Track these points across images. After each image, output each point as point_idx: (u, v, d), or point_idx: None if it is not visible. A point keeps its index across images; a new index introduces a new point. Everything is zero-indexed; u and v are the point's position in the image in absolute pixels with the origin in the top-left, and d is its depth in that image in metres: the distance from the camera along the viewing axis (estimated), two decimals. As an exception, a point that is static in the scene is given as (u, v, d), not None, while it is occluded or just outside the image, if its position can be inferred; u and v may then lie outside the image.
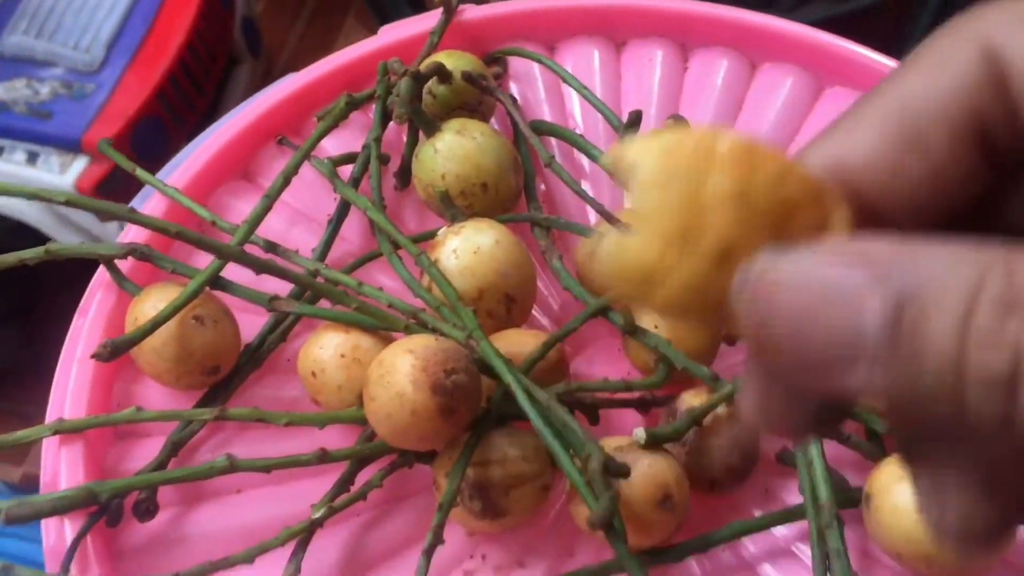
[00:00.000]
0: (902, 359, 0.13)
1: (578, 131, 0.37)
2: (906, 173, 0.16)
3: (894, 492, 0.26)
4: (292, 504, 0.30)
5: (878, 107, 0.16)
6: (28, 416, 1.18)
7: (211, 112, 1.04)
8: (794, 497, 0.30)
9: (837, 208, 0.15)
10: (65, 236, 1.01)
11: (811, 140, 0.16)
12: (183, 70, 1.01)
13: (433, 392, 0.26)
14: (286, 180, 0.33)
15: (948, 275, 0.13)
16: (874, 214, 0.16)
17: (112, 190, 0.98)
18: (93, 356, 0.28)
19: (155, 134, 0.96)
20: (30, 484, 1.19)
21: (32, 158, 0.94)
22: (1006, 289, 0.12)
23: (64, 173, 0.96)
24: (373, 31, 0.39)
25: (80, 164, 0.96)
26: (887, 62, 0.37)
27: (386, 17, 1.05)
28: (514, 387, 0.27)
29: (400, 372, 0.26)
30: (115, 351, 0.28)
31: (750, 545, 0.30)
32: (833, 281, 0.13)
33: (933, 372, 0.12)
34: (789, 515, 0.29)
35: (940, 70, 0.15)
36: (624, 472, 0.26)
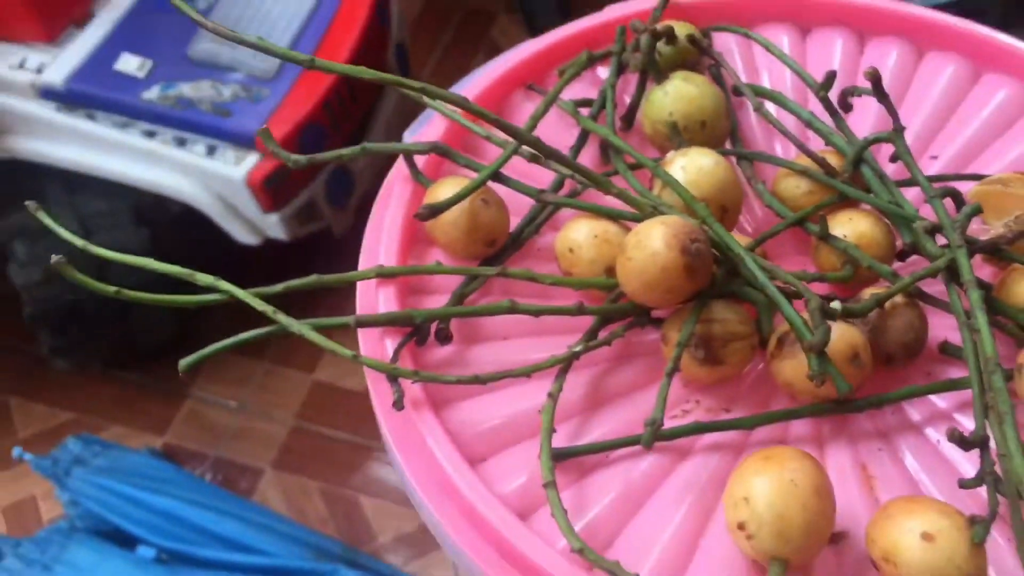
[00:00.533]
0: None
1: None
2: None
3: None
4: (549, 351, 0.37)
5: None
6: (170, 392, 1.29)
7: (364, 123, 1.15)
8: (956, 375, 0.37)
9: None
10: (230, 224, 1.12)
11: None
12: (345, 83, 1.12)
13: (681, 252, 0.34)
14: (546, 109, 0.42)
15: None
16: None
17: (279, 184, 1.09)
18: (416, 216, 0.37)
19: (318, 138, 1.07)
20: (170, 452, 1.29)
21: (211, 151, 1.06)
22: None
23: (238, 165, 1.07)
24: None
25: (252, 159, 1.07)
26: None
27: (535, 25, 1.15)
28: (745, 256, 0.35)
29: (655, 237, 0.34)
30: (432, 212, 0.37)
31: (914, 412, 0.37)
32: None
33: None
34: (954, 384, 0.36)
35: None
36: (835, 314, 0.33)
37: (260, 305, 0.36)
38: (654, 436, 0.34)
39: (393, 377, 0.35)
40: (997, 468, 0.31)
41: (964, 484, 0.32)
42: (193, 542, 1.06)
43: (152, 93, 1.08)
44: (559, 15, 1.01)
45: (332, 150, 1.19)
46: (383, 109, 1.17)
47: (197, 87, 1.08)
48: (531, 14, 1.26)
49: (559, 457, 0.34)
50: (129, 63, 1.11)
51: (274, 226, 1.09)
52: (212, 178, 1.08)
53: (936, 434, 0.36)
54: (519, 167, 0.42)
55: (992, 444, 0.32)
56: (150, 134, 1.08)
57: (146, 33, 1.09)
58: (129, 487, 1.08)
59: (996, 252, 0.37)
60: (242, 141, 1.08)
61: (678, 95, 0.41)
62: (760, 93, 0.44)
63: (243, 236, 1.10)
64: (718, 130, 0.42)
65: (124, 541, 1.04)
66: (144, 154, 1.08)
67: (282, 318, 0.35)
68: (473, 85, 0.46)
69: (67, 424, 1.27)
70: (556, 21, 0.48)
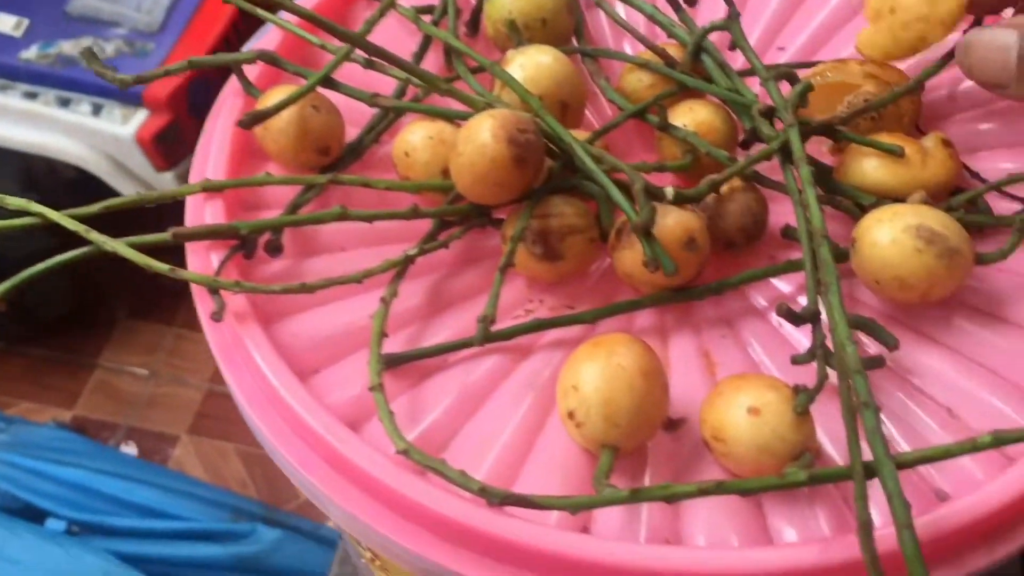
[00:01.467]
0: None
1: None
2: None
3: (873, 230, 0.33)
4: (386, 259, 0.36)
5: None
6: (75, 364, 1.26)
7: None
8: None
9: None
10: (123, 184, 1.09)
11: None
12: (235, 33, 1.09)
13: (509, 143, 0.33)
14: (381, 14, 0.40)
15: None
16: None
17: (169, 141, 1.06)
18: (238, 123, 0.36)
19: (208, 91, 1.04)
20: (80, 425, 1.26)
21: (96, 110, 1.03)
22: None
23: (126, 124, 1.04)
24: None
25: (140, 116, 1.04)
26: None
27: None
28: (575, 146, 0.34)
29: (483, 129, 0.33)
30: (255, 119, 0.35)
31: (759, 296, 0.37)
32: (999, 37, 0.33)
33: None
34: (792, 265, 0.36)
35: None
36: (660, 194, 0.33)
37: (72, 224, 0.34)
38: (486, 333, 0.33)
39: (214, 289, 0.33)
40: (829, 343, 0.31)
41: (796, 360, 0.32)
42: (105, 512, 1.03)
43: (31, 52, 1.04)
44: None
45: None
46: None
47: (77, 44, 1.04)
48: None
49: (391, 363, 0.33)
50: (4, 22, 1.06)
51: (170, 185, 1.06)
52: (100, 138, 1.05)
53: (779, 317, 0.36)
54: (357, 75, 0.40)
55: (824, 319, 0.31)
56: (31, 95, 1.04)
57: (21, -10, 1.05)
58: (35, 460, 1.05)
59: (831, 132, 0.36)
60: (128, 98, 1.05)
61: (517, -7, 0.40)
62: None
63: (138, 197, 1.07)
64: (560, 27, 0.41)
65: (33, 516, 1.01)
66: (26, 116, 1.04)
67: (95, 236, 0.34)
68: (310, -2, 0.44)
69: (-30, 402, 1.23)
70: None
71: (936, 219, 0.32)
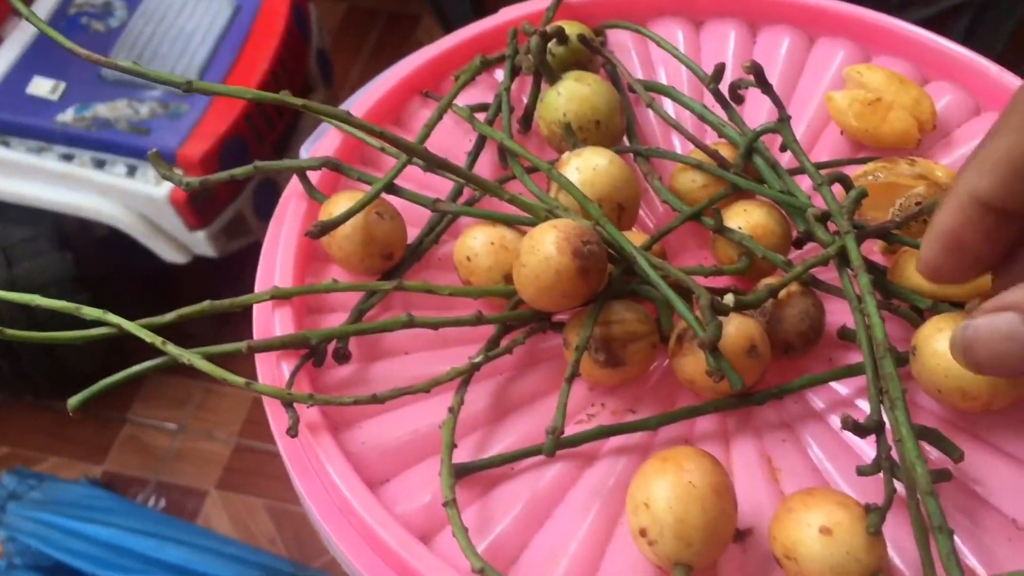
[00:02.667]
0: None
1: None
2: (1017, 191, 0.29)
3: (935, 339, 0.33)
4: (450, 364, 0.37)
5: (991, 153, 0.29)
6: (104, 419, 1.27)
7: (288, 134, 1.14)
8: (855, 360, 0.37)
9: None
10: (156, 243, 1.10)
11: (960, 170, 0.31)
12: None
13: (573, 256, 0.34)
14: (439, 116, 0.41)
15: None
16: (1000, 212, 0.30)
17: (203, 200, 1.07)
18: (307, 234, 0.36)
19: (240, 152, 1.06)
20: (109, 480, 1.27)
21: (131, 171, 1.04)
22: None
23: (159, 185, 1.05)
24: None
25: (174, 176, 1.05)
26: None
27: (451, 29, 1.15)
28: (637, 256, 0.35)
29: (547, 241, 0.34)
30: (324, 229, 0.36)
31: (817, 400, 0.37)
32: (1000, 326, 0.28)
33: None
34: (851, 370, 0.36)
35: (1018, 134, 0.28)
36: (726, 309, 0.33)
37: (148, 336, 0.35)
38: (556, 443, 0.33)
39: (288, 403, 0.34)
40: (894, 453, 0.32)
41: (861, 471, 0.32)
42: (136, 571, 1.04)
43: (67, 116, 1.05)
44: (473, 17, 1.01)
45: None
46: (308, 120, 1.16)
47: (113, 107, 1.06)
48: (445, 18, 1.25)
49: (460, 473, 0.34)
50: (41, 86, 1.08)
51: (201, 243, 1.07)
52: (134, 198, 1.06)
53: (839, 422, 0.36)
54: (417, 177, 0.41)
55: (888, 429, 0.32)
56: (67, 157, 1.06)
57: (57, 55, 1.07)
58: (67, 519, 1.05)
59: (885, 236, 0.37)
60: (163, 159, 1.06)
61: (570, 95, 0.41)
62: (652, 88, 0.44)
63: (170, 255, 1.09)
64: (613, 128, 0.42)
65: (65, 575, 1.02)
66: (62, 178, 1.05)
67: (171, 349, 0.34)
68: (368, 95, 0.45)
69: (1, 459, 1.24)
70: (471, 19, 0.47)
71: None
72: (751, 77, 0.39)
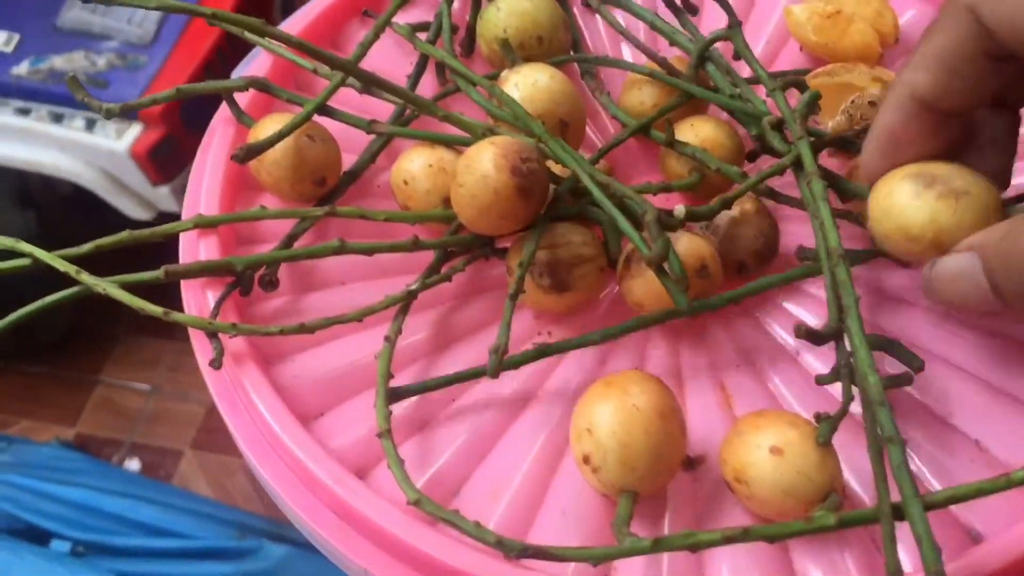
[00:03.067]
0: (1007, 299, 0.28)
1: None
2: (953, 89, 0.29)
3: (878, 189, 0.31)
4: (388, 293, 0.35)
5: (927, 53, 0.29)
6: (76, 382, 1.25)
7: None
8: (812, 287, 0.35)
9: None
10: (119, 199, 1.08)
11: (898, 71, 0.30)
12: (228, 45, 1.07)
13: (512, 174, 0.32)
14: (376, 35, 0.39)
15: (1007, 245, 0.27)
16: (939, 111, 0.30)
17: (164, 155, 1.04)
18: (232, 157, 0.34)
19: (201, 103, 1.02)
20: (83, 442, 1.25)
21: (90, 125, 1.01)
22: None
23: (120, 138, 1.03)
24: None
25: (135, 130, 1.03)
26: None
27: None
28: (580, 171, 0.33)
29: (484, 159, 0.32)
30: (249, 153, 0.34)
31: (774, 324, 0.35)
32: (962, 267, 0.28)
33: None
34: (809, 271, 0.34)
35: (952, 29, 0.29)
36: (674, 224, 0.31)
37: (63, 266, 0.33)
38: (499, 363, 0.31)
39: (212, 333, 0.32)
40: (852, 360, 0.30)
41: (820, 380, 0.30)
42: (110, 532, 1.02)
43: (21, 68, 1.02)
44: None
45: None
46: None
47: (69, 59, 1.03)
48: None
49: (396, 398, 0.32)
50: (-6, 39, 1.05)
51: (166, 199, 1.05)
52: (94, 153, 1.03)
53: (796, 344, 0.34)
54: (353, 101, 0.39)
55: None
56: (23, 111, 1.03)
57: (10, 5, 1.04)
58: (38, 481, 1.04)
59: (843, 144, 0.35)
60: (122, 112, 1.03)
61: (511, 10, 0.39)
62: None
63: (134, 212, 1.06)
64: (556, 45, 0.39)
65: (38, 537, 1.00)
66: (19, 132, 1.02)
67: (86, 277, 0.32)
68: (303, 14, 0.42)
69: (-30, 423, 1.22)
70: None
71: (942, 167, 0.30)
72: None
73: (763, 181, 0.33)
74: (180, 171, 1.05)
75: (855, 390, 0.29)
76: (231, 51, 1.07)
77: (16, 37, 1.04)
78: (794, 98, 0.35)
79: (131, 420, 1.22)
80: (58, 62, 1.03)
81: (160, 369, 1.24)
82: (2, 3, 1.04)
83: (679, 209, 0.33)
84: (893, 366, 0.32)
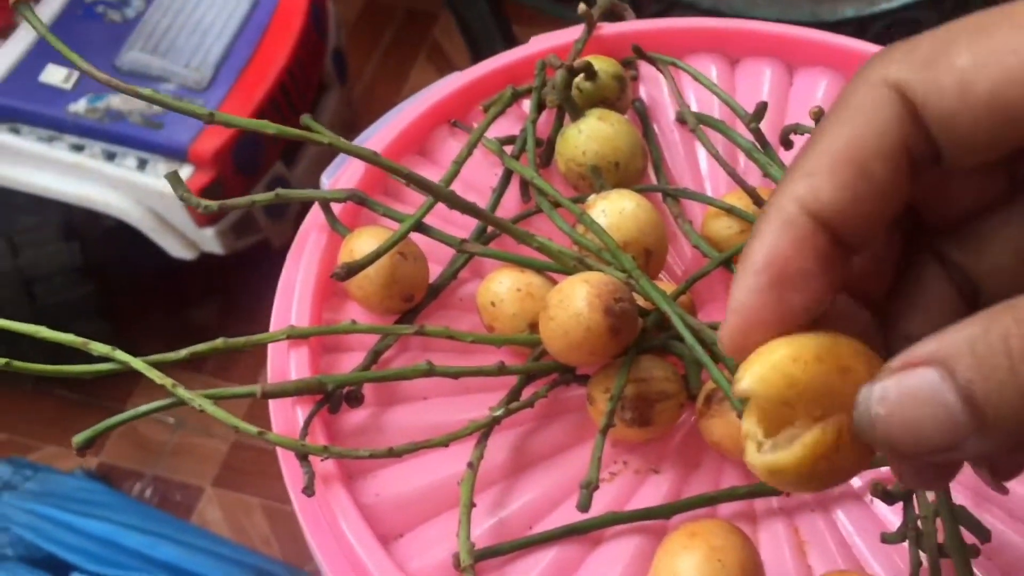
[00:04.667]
0: (990, 425, 0.18)
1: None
2: (861, 199, 0.20)
3: None
4: (469, 412, 0.36)
5: (827, 152, 0.21)
6: (110, 409, 1.25)
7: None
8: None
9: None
10: (164, 239, 1.09)
11: (779, 184, 0.21)
12: (281, 92, 1.09)
13: (605, 314, 0.33)
14: (469, 152, 0.40)
15: (985, 348, 0.18)
16: (839, 235, 0.21)
17: (212, 198, 1.06)
18: (332, 276, 0.35)
19: (254, 149, 1.04)
20: (105, 472, 1.26)
21: (142, 165, 1.03)
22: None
23: (169, 178, 1.04)
24: (441, 69, 0.46)
25: (185, 172, 1.04)
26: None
27: (479, 51, 1.13)
28: (670, 312, 0.33)
29: (578, 297, 0.33)
30: (349, 272, 0.35)
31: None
32: (917, 387, 0.19)
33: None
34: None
35: (869, 114, 0.20)
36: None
37: (158, 378, 0.34)
38: (591, 498, 0.32)
39: (303, 455, 0.33)
40: (920, 523, 0.30)
41: (886, 538, 0.31)
42: (129, 567, 1.03)
43: (79, 106, 1.04)
44: (492, 23, 0.98)
45: (269, 161, 1.14)
46: (322, 118, 1.14)
47: (127, 99, 1.05)
48: (462, 19, 1.22)
49: (480, 557, 0.32)
50: (55, 75, 1.07)
51: (209, 240, 1.06)
52: (144, 192, 1.05)
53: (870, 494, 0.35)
54: (440, 210, 0.40)
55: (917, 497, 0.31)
56: (78, 148, 1.05)
57: (72, 44, 1.05)
58: (61, 512, 1.04)
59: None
60: (174, 153, 1.05)
61: (592, 134, 0.40)
62: (702, 121, 0.42)
63: (178, 250, 1.07)
64: (632, 171, 0.40)
65: (57, 567, 1.01)
66: (72, 168, 1.04)
67: (181, 392, 0.33)
68: (395, 123, 0.43)
69: (-3, 445, 1.23)
70: (493, 33, 0.46)
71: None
72: (806, 123, 0.37)
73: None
74: (225, 214, 1.07)
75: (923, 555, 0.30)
76: (285, 101, 1.09)
77: (76, 75, 1.06)
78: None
79: (154, 453, 1.22)
80: (115, 102, 1.05)
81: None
82: (65, 41, 1.05)
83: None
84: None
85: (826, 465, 0.20)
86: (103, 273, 1.08)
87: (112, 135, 1.03)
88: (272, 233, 1.09)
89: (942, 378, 0.18)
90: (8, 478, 1.09)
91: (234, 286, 1.23)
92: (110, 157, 1.04)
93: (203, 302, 1.32)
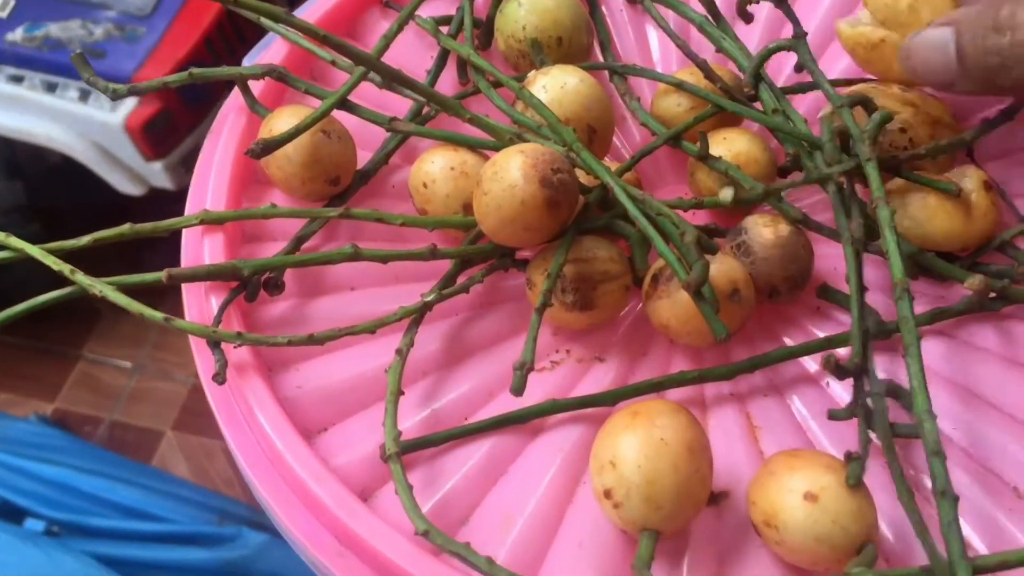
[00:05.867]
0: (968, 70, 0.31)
1: None
2: None
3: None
4: (400, 303, 0.33)
5: None
6: (62, 355, 1.23)
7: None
8: (841, 314, 0.34)
9: None
10: (110, 173, 1.05)
11: None
12: (228, 19, 1.05)
13: (541, 184, 0.30)
14: (400, 27, 0.37)
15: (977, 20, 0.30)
16: None
17: (159, 130, 1.02)
18: (247, 152, 0.32)
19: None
20: (61, 417, 1.23)
21: (84, 95, 0.99)
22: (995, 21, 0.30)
23: (114, 110, 1.00)
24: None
25: (130, 103, 1.00)
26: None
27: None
28: (615, 186, 0.31)
29: (512, 167, 0.30)
30: (266, 148, 0.32)
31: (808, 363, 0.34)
32: (937, 37, 0.31)
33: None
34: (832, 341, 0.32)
35: None
36: (714, 248, 0.30)
37: (55, 264, 0.31)
38: (524, 382, 0.29)
39: (215, 342, 0.30)
40: (869, 401, 0.29)
41: (832, 415, 0.29)
42: (86, 512, 1.00)
43: (16, 34, 0.99)
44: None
45: (219, 91, 1.10)
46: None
47: (66, 27, 1.00)
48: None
49: (408, 449, 0.30)
50: (-12, 2, 1.02)
51: (158, 175, 1.02)
52: (87, 125, 1.01)
53: (825, 375, 0.33)
54: (370, 96, 0.37)
55: (869, 374, 0.29)
56: (16, 79, 1.00)
57: (6, -32, 1.01)
58: (14, 457, 1.01)
59: (897, 168, 0.33)
60: (117, 84, 1.00)
61: (532, 7, 0.37)
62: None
63: (126, 186, 1.03)
64: (576, 47, 0.38)
65: (11, 514, 0.98)
66: (11, 100, 1.00)
67: (80, 278, 0.30)
68: (320, 3, 0.40)
69: (-53, 393, 1.19)
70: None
71: None
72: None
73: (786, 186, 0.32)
74: (175, 147, 1.03)
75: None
76: (231, 27, 1.04)
77: (12, 2, 1.01)
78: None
79: (112, 398, 1.20)
80: (54, 30, 1.01)
81: (143, 347, 1.22)
82: (-2, -35, 1.01)
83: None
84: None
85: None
86: (49, 212, 1.05)
87: (52, 64, 0.99)
88: (224, 167, 1.06)
89: (949, 34, 0.31)
90: (-42, 425, 1.06)
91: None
92: (51, 88, 0.99)
93: (154, 242, 1.29)
